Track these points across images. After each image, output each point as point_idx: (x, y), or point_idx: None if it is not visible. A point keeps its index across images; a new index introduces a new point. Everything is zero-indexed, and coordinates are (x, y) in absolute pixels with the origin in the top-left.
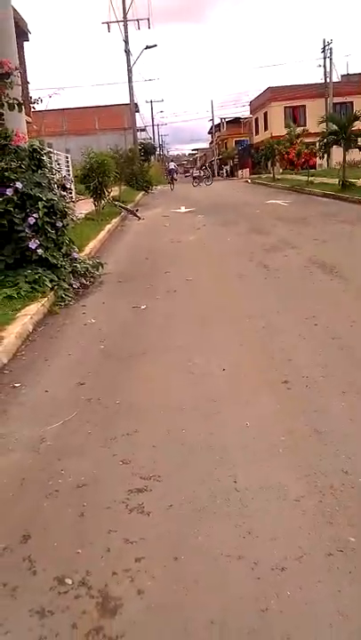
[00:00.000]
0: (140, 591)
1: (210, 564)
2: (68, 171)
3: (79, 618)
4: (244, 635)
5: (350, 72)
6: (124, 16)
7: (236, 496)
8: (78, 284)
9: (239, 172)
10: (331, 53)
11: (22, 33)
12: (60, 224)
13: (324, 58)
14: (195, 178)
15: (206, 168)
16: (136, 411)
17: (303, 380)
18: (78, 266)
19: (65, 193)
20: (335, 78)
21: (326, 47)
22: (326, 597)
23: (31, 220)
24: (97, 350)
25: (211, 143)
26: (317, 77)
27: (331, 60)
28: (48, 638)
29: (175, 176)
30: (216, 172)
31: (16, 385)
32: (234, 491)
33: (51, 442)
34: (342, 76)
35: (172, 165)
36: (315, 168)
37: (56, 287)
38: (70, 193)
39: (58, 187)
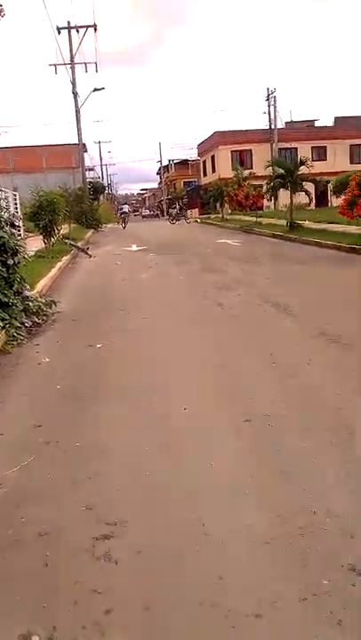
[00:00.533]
0: None
1: (182, 614)
2: (17, 208)
3: None
4: None
5: (294, 119)
6: (72, 59)
7: (205, 540)
8: (31, 323)
9: (188, 212)
10: (275, 101)
11: None
12: (11, 261)
13: (269, 105)
14: (171, 216)
15: (181, 205)
16: (97, 453)
17: (265, 418)
18: (30, 304)
19: (14, 230)
20: (280, 124)
21: (270, 95)
22: None
23: None
24: (53, 390)
25: (160, 184)
26: (263, 123)
27: (275, 107)
28: None
29: (127, 218)
30: (166, 211)
31: None
32: (203, 535)
33: (8, 488)
34: (286, 122)
35: (125, 208)
36: (262, 209)
37: (7, 326)
38: (19, 230)
39: (7, 224)
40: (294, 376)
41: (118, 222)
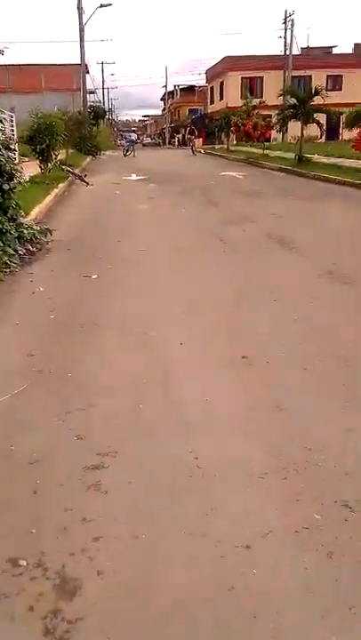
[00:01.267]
0: (99, 572)
1: (172, 543)
2: (13, 130)
3: (36, 600)
4: (210, 614)
5: (311, 45)
6: None
7: (197, 473)
8: (24, 251)
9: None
10: (292, 25)
11: None
12: (6, 186)
13: (285, 29)
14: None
15: (193, 132)
16: (90, 384)
17: (264, 355)
18: (25, 231)
19: (10, 154)
20: (295, 51)
21: (288, 18)
22: (293, 575)
23: None
24: (47, 320)
25: (163, 110)
26: (277, 49)
27: (292, 31)
28: (3, 622)
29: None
30: (168, 140)
31: None
32: (195, 467)
33: None
34: (302, 48)
35: (133, 137)
36: (269, 141)
37: (1, 253)
38: (15, 154)
39: (3, 147)
40: (296, 314)
41: (123, 151)
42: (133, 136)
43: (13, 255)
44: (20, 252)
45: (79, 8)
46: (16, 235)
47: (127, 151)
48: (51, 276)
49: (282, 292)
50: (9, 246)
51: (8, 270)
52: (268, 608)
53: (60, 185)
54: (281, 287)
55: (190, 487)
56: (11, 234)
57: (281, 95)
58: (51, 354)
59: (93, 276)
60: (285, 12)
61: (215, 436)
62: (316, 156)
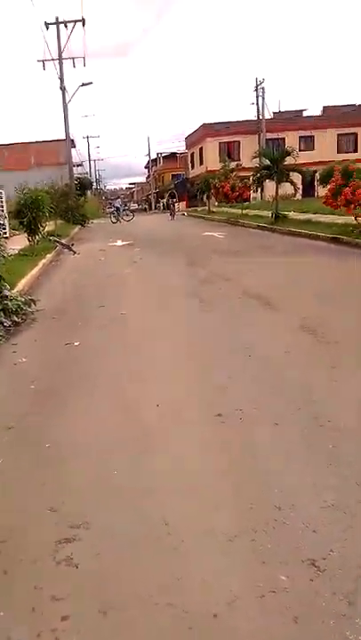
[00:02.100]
0: None
1: (139, 616)
2: (2, 206)
3: None
4: None
5: (283, 109)
6: (60, 55)
7: (167, 540)
8: (10, 322)
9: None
10: (263, 92)
11: None
12: None
13: (257, 96)
14: (171, 210)
15: (174, 196)
16: (67, 453)
17: (237, 412)
18: (9, 303)
19: None
20: (267, 115)
21: (258, 86)
22: None
23: None
24: (27, 391)
25: (148, 177)
26: (251, 114)
27: (263, 98)
28: None
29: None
30: (154, 205)
31: None
32: (165, 535)
33: None
34: (275, 113)
35: (117, 203)
36: (249, 201)
37: None
38: (4, 229)
39: None
40: (271, 368)
41: (110, 218)
42: (118, 202)
43: None
44: (5, 323)
45: (62, 88)
46: (1, 307)
47: (115, 217)
48: (34, 346)
49: (256, 348)
50: None
51: None
52: None
53: (48, 255)
54: (255, 343)
55: (159, 556)
56: None
57: (255, 157)
58: (28, 425)
59: (75, 343)
60: (256, 80)
61: (185, 500)
62: (292, 212)
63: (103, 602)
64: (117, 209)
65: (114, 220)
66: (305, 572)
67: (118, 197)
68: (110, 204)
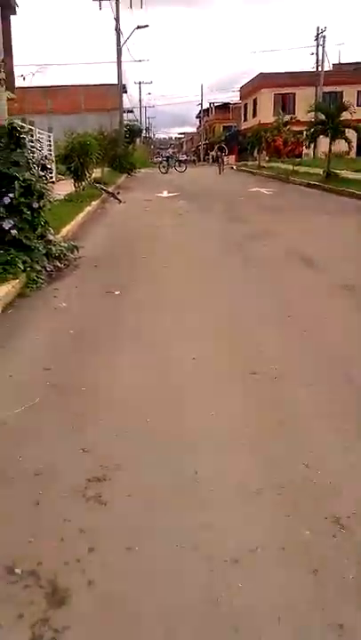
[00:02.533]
0: (90, 582)
1: (163, 556)
2: (50, 150)
3: (26, 608)
4: (195, 626)
5: (343, 61)
6: None
7: (195, 487)
8: (52, 267)
9: (225, 158)
10: (324, 41)
11: (8, 5)
12: (36, 205)
13: (317, 46)
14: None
15: (223, 149)
16: (102, 398)
17: (272, 371)
18: (53, 248)
19: (44, 173)
20: (327, 67)
21: (319, 35)
22: (275, 591)
23: (6, 200)
24: (66, 335)
25: (198, 128)
26: (309, 65)
27: (323, 48)
28: None
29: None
30: (203, 157)
31: None
32: (194, 482)
33: (11, 428)
34: (334, 65)
35: (167, 153)
36: (301, 157)
37: (28, 269)
38: (51, 173)
39: (37, 166)
40: (307, 330)
41: (158, 168)
42: (169, 151)
43: (40, 272)
44: (47, 268)
45: (117, 30)
46: (44, 252)
47: (164, 168)
48: (75, 292)
49: (296, 309)
50: (37, 263)
51: (35, 286)
52: (248, 623)
53: (93, 203)
54: (296, 303)
55: (187, 502)
56: (39, 250)
57: (310, 111)
58: (65, 368)
59: (116, 292)
60: (317, 28)
61: (216, 451)
62: (344, 171)
63: (129, 538)
64: (168, 158)
65: (163, 171)
66: (328, 528)
67: (170, 146)
68: (159, 153)
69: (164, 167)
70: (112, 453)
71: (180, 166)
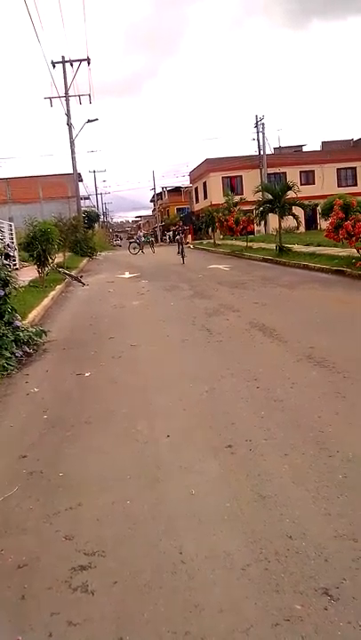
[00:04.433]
0: None
1: None
2: (12, 239)
3: None
4: None
5: (282, 145)
6: (66, 92)
7: (182, 568)
8: (22, 353)
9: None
10: (263, 128)
11: None
12: (1, 292)
13: (258, 132)
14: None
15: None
16: (80, 483)
17: (246, 443)
18: (21, 334)
19: (7, 261)
20: (268, 151)
21: (259, 122)
22: None
23: None
24: (40, 420)
25: (153, 211)
26: (253, 149)
27: (263, 134)
28: None
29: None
30: (159, 237)
31: None
32: (180, 562)
33: None
34: (275, 148)
35: (140, 233)
36: (253, 234)
37: None
38: (14, 261)
39: (1, 255)
40: (277, 400)
41: (128, 249)
42: (140, 234)
43: (10, 358)
44: (17, 354)
45: (69, 125)
46: (12, 338)
47: (134, 249)
48: (45, 376)
49: (264, 379)
50: (6, 349)
51: (5, 373)
52: None
53: (58, 287)
54: (262, 374)
55: (174, 584)
56: (7, 337)
57: (258, 191)
58: (42, 455)
59: (86, 374)
60: (256, 116)
61: (199, 529)
62: (295, 245)
63: (120, 629)
64: (139, 238)
65: (134, 252)
66: (319, 600)
67: (140, 229)
68: (117, 236)
69: (134, 249)
70: (95, 539)
71: (152, 246)
